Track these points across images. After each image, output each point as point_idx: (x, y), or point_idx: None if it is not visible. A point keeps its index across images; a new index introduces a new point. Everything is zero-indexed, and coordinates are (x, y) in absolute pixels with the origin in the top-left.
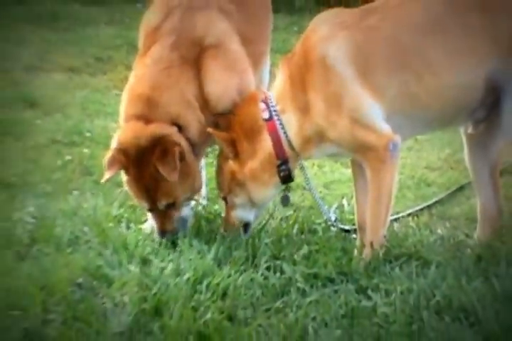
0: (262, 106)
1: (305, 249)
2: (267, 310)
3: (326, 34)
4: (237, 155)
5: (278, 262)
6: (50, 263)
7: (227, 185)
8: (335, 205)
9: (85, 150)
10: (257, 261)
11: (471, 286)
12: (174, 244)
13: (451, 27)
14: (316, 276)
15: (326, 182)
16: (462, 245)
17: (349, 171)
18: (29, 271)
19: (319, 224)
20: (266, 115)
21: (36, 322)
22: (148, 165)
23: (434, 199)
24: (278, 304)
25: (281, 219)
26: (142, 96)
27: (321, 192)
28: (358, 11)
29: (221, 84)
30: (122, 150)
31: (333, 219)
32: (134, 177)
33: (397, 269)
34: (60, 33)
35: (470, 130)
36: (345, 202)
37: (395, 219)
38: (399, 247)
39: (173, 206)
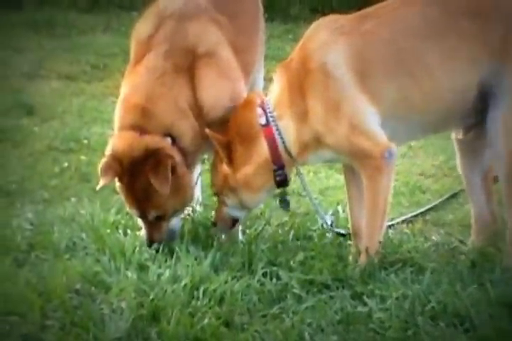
0: (259, 111)
1: (301, 255)
2: (264, 315)
3: (325, 40)
4: (231, 160)
5: (274, 268)
6: (48, 269)
7: (220, 187)
8: (330, 211)
9: (82, 157)
10: (254, 267)
11: (465, 292)
12: (171, 251)
13: (446, 31)
14: (311, 282)
15: (321, 188)
16: (457, 251)
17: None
18: (27, 277)
19: (315, 230)
20: (263, 121)
21: (34, 328)
22: (141, 176)
23: (428, 206)
24: (274, 310)
25: (277, 226)
26: (137, 106)
27: (316, 198)
28: (355, 17)
29: (214, 92)
30: (117, 159)
31: (329, 222)
32: (126, 187)
33: (392, 275)
34: (57, 41)
35: (460, 135)
36: (340, 208)
37: (390, 226)
38: (394, 253)
39: (162, 217)
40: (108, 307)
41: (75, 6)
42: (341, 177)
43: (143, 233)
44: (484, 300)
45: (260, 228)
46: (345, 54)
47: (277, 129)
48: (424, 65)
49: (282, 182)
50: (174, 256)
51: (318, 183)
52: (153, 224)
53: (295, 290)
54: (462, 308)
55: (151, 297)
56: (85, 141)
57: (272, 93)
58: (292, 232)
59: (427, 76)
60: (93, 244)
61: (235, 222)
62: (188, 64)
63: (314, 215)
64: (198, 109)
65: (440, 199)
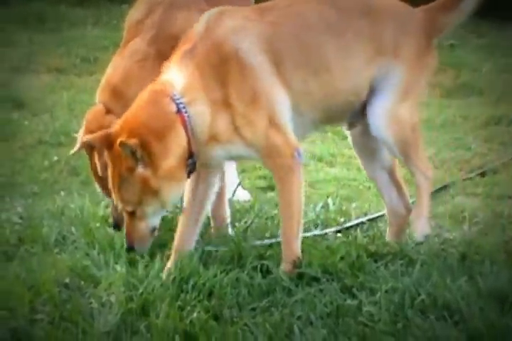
0: (167, 99)
1: None
2: (253, 309)
3: (235, 26)
4: (149, 160)
5: (264, 262)
6: (38, 263)
7: (138, 198)
8: (320, 204)
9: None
10: (243, 261)
11: (455, 285)
12: (160, 245)
13: (341, 30)
14: (301, 276)
15: (311, 181)
16: (447, 244)
17: (333, 170)
18: (16, 271)
19: (304, 223)
20: (174, 108)
21: (23, 322)
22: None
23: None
24: (264, 303)
25: (266, 219)
26: (111, 85)
27: (306, 191)
28: (253, 9)
29: None
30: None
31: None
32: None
33: (382, 268)
34: (47, 34)
35: (348, 127)
36: (330, 201)
37: (379, 217)
38: (383, 246)
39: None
40: (97, 301)
41: (65, 0)
42: (331, 170)
43: None
44: (474, 292)
45: (249, 221)
46: (258, 41)
47: (188, 116)
48: (323, 60)
49: (190, 173)
50: (163, 250)
51: (308, 176)
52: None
53: (284, 284)
54: (452, 301)
55: (140, 291)
56: (75, 135)
57: (174, 79)
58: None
59: (326, 72)
60: (82, 237)
61: (153, 231)
62: (171, 51)
63: (304, 208)
64: None
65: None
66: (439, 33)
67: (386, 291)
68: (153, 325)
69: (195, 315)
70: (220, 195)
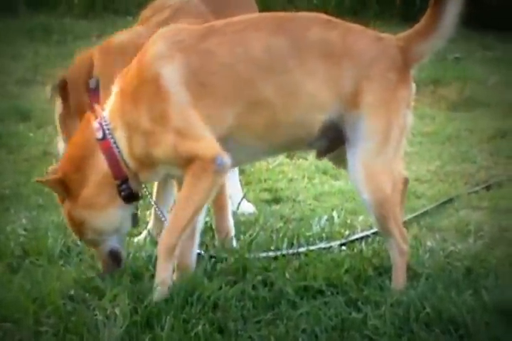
0: (96, 126)
1: (295, 262)
2: (258, 321)
3: (163, 52)
4: (69, 192)
5: (269, 274)
6: (42, 275)
7: (76, 229)
8: (325, 217)
9: None
10: (248, 274)
11: (460, 298)
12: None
13: (293, 69)
14: (306, 288)
15: (315, 194)
16: (452, 257)
17: (338, 183)
18: (21, 283)
19: (309, 236)
20: (100, 135)
21: (28, 334)
22: None
23: (422, 210)
24: (268, 316)
25: (271, 232)
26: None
27: (310, 204)
28: (199, 31)
29: None
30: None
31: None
32: None
33: (387, 281)
34: (53, 47)
35: (317, 156)
36: (335, 214)
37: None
38: (389, 259)
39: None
40: (102, 314)
41: (70, 12)
42: (336, 183)
43: (141, 237)
44: (479, 306)
45: (254, 234)
46: (181, 71)
47: (114, 142)
48: (262, 96)
49: (129, 197)
50: None
51: (313, 189)
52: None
53: (289, 297)
54: (457, 315)
55: (144, 303)
56: None
57: (108, 104)
58: (286, 238)
59: (266, 107)
60: (87, 250)
61: (117, 255)
62: None
63: (309, 221)
64: None
65: (435, 204)
66: (416, 62)
67: (391, 305)
68: (158, 337)
69: (199, 327)
70: (223, 207)
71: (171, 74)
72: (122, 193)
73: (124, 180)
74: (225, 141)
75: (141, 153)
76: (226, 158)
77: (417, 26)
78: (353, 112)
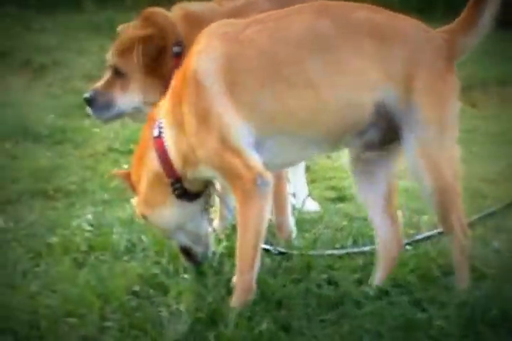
0: (156, 124)
1: (359, 260)
2: (322, 320)
3: (202, 47)
4: (134, 187)
5: (333, 273)
6: (107, 270)
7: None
8: None
9: None
10: (312, 272)
11: None
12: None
13: (338, 47)
14: (370, 288)
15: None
16: None
17: (403, 182)
18: (86, 279)
19: (374, 235)
20: (156, 132)
21: (93, 330)
22: None
23: (488, 211)
24: (333, 315)
25: (335, 230)
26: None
27: None
28: (243, 22)
29: None
30: None
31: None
32: None
33: (452, 281)
34: None
35: (359, 154)
36: (400, 213)
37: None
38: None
39: None
40: (166, 310)
41: (136, 7)
42: (401, 182)
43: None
44: None
45: (319, 232)
46: (217, 62)
47: (165, 140)
48: (306, 76)
49: (184, 196)
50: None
51: None
52: None
53: (353, 296)
54: None
55: (208, 300)
56: None
57: (163, 102)
58: (351, 237)
59: (310, 88)
60: (152, 246)
61: (189, 250)
62: None
63: None
64: None
65: (501, 205)
66: (461, 55)
67: (457, 305)
68: (222, 334)
69: (264, 325)
70: (284, 205)
71: (206, 68)
72: (176, 192)
73: (177, 179)
74: (267, 136)
75: (188, 153)
76: (266, 175)
77: (459, 21)
78: (406, 97)
